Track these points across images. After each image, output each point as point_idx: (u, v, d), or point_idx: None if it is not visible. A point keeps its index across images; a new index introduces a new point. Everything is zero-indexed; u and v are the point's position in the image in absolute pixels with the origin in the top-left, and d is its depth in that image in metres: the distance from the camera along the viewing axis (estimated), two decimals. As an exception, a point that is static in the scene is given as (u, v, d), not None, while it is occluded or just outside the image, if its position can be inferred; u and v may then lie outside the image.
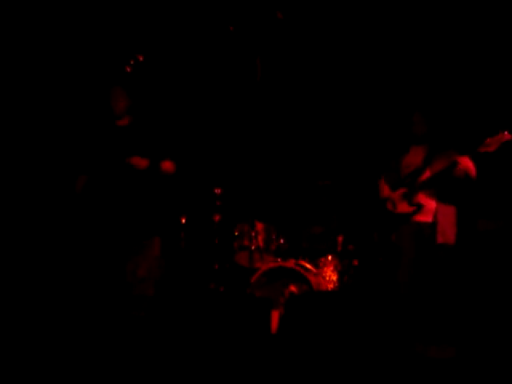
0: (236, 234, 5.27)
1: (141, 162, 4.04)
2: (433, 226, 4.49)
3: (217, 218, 5.40)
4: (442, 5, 5.32)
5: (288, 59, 5.91)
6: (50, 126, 5.22)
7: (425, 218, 4.53)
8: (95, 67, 5.27)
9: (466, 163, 4.28)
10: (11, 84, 5.09)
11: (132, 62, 4.18)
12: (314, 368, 3.72)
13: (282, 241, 5.27)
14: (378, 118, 5.80)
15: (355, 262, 5.20)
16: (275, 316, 4.36)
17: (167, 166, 4.16)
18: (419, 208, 4.51)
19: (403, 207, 4.59)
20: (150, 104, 4.88)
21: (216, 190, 5.43)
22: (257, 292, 4.82)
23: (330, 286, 5.04)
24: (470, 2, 5.24)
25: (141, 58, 4.30)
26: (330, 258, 5.13)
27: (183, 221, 5.47)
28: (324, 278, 5.04)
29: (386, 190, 4.75)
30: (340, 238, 5.32)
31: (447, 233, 4.48)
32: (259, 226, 5.20)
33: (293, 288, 4.85)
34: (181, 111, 5.77)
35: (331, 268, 5.10)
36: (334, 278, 5.07)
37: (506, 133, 4.14)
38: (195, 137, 5.83)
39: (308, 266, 5.04)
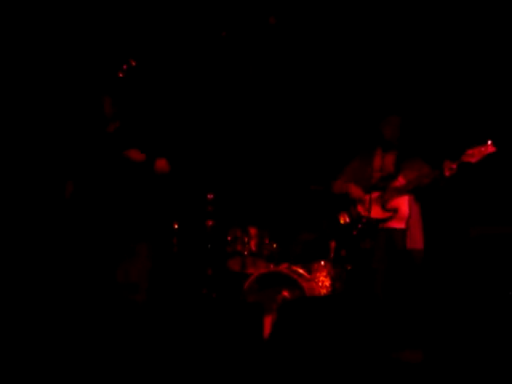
0: (229, 239, 5.26)
1: (138, 156, 4.04)
2: (405, 232, 4.48)
3: (209, 223, 5.38)
4: (419, 14, 5.33)
5: (280, 64, 5.92)
6: (39, 129, 5.21)
7: (399, 224, 4.52)
8: (87, 71, 5.27)
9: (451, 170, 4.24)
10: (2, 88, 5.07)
11: (125, 67, 4.17)
12: (306, 373, 3.71)
13: (274, 246, 5.26)
14: (370, 122, 5.80)
15: (348, 268, 5.20)
16: (268, 321, 4.35)
17: (161, 164, 4.16)
18: (394, 214, 4.49)
19: (377, 213, 4.56)
20: (141, 108, 4.87)
21: (208, 196, 5.42)
22: (249, 297, 4.81)
23: (323, 292, 5.03)
24: (450, 11, 5.26)
25: (133, 63, 4.30)
26: (322, 263, 5.13)
27: (176, 226, 5.45)
28: (317, 283, 5.04)
29: (357, 192, 4.70)
30: (332, 244, 5.32)
31: (416, 238, 4.49)
32: (252, 231, 5.19)
33: (285, 293, 4.85)
34: (173, 116, 5.77)
35: (324, 273, 5.09)
36: (327, 283, 5.06)
37: (488, 144, 4.07)
38: (187, 142, 5.83)
39: (301, 271, 5.03)
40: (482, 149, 4.06)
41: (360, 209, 4.65)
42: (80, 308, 4.05)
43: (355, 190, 4.73)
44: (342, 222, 4.73)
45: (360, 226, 4.60)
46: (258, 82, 5.67)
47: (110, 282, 4.02)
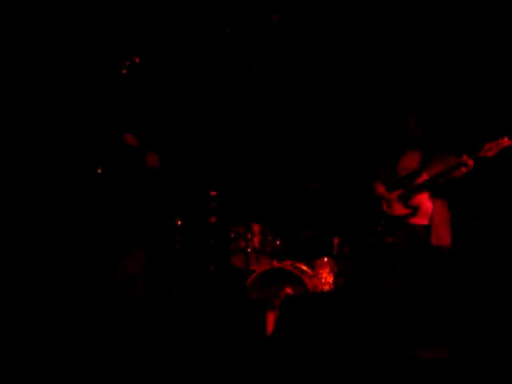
0: (232, 236, 5.27)
1: (133, 141, 4.03)
2: (428, 228, 4.50)
3: (213, 220, 5.39)
4: (435, 8, 5.33)
5: (283, 62, 5.92)
6: (38, 127, 5.20)
7: (421, 220, 4.53)
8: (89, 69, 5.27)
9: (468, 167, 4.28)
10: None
11: (128, 64, 4.18)
12: (309, 370, 3.72)
13: (277, 243, 5.27)
14: (373, 121, 5.81)
15: (351, 264, 5.21)
16: (271, 318, 4.36)
17: (152, 158, 4.15)
18: (415, 210, 4.51)
19: (399, 209, 4.59)
20: (145, 106, 4.88)
21: (212, 192, 5.43)
22: (252, 294, 4.82)
23: (326, 288, 5.04)
24: (465, 6, 5.26)
25: (137, 60, 4.30)
26: (325, 259, 5.13)
27: (179, 223, 5.46)
28: (320, 279, 5.05)
29: (381, 190, 4.75)
30: (336, 240, 5.33)
31: (442, 235, 4.49)
32: (255, 227, 5.20)
33: (288, 290, 4.85)
34: (176, 113, 5.77)
35: (327, 270, 5.10)
36: (330, 279, 5.07)
37: (505, 138, 4.16)
38: (191, 139, 5.83)
39: (304, 267, 5.04)
40: (499, 142, 4.14)
41: (384, 206, 4.68)
42: (79, 306, 4.06)
43: (379, 188, 4.78)
44: (366, 220, 4.80)
45: (384, 222, 4.64)
46: (262, 79, 5.67)
47: (110, 280, 4.03)
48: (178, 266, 5.49)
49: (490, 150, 4.19)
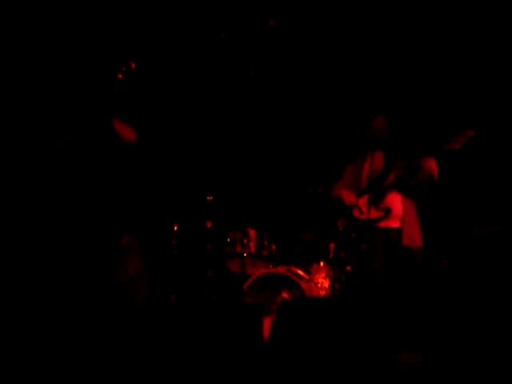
0: (228, 240, 5.27)
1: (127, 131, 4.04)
2: (399, 230, 4.50)
3: (209, 224, 5.39)
4: (404, 12, 5.36)
5: (279, 65, 5.93)
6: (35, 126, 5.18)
7: (393, 223, 4.54)
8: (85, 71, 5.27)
9: (430, 165, 4.30)
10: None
11: (124, 69, 4.18)
12: (305, 375, 3.71)
13: (273, 247, 5.27)
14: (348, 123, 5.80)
15: (347, 269, 5.20)
16: (267, 323, 4.35)
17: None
18: (387, 212, 4.51)
19: (372, 213, 4.58)
20: (141, 109, 4.88)
21: (208, 197, 5.43)
22: (249, 298, 4.82)
23: (322, 293, 5.04)
24: (434, 8, 5.28)
25: (133, 65, 4.30)
26: (322, 264, 5.13)
27: (175, 228, 5.46)
28: (316, 284, 5.04)
29: (350, 198, 4.73)
30: (332, 245, 5.32)
31: (414, 236, 4.50)
32: (251, 232, 5.20)
33: (285, 294, 4.85)
34: (173, 117, 5.78)
35: (323, 274, 5.10)
36: (326, 284, 5.07)
37: (468, 129, 4.17)
38: (187, 143, 5.84)
39: (300, 272, 5.04)
40: (464, 134, 4.16)
41: (355, 212, 4.68)
42: (78, 309, 4.05)
43: (347, 196, 4.77)
44: (340, 228, 4.77)
45: (357, 228, 4.63)
46: (257, 83, 5.68)
47: (108, 282, 4.02)
48: (174, 270, 5.49)
49: (456, 142, 4.19)
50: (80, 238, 4.09)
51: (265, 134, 6.05)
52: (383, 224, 4.55)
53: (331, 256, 5.27)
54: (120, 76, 4.09)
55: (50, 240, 4.71)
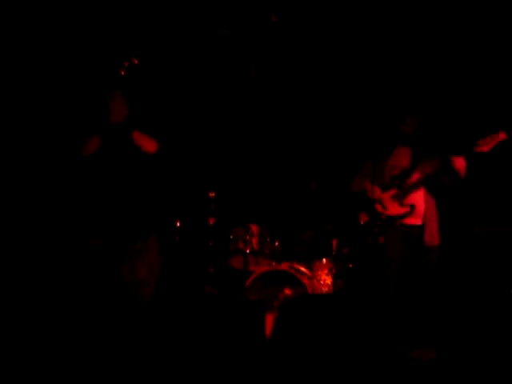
0: (231, 237, 5.26)
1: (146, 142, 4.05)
2: (421, 228, 4.49)
3: (211, 221, 5.39)
4: (430, 6, 5.33)
5: (281, 62, 5.92)
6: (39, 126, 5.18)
7: (414, 220, 4.53)
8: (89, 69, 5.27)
9: (460, 164, 4.28)
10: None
11: (126, 65, 4.17)
12: (308, 371, 3.71)
13: (276, 244, 5.27)
14: (366, 119, 5.78)
15: (350, 265, 5.20)
16: (269, 319, 4.35)
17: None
18: (412, 209, 4.51)
19: (394, 209, 4.58)
20: (143, 106, 4.87)
21: (210, 194, 5.42)
22: (251, 295, 4.81)
23: (325, 290, 5.04)
24: (461, 4, 5.26)
25: (135, 61, 4.30)
26: (324, 261, 5.13)
27: (178, 224, 5.46)
28: (318, 281, 5.04)
29: (375, 192, 4.73)
30: (334, 242, 5.32)
31: (434, 234, 4.49)
32: (254, 229, 5.20)
33: (287, 291, 4.85)
34: (175, 114, 5.77)
35: (326, 271, 5.10)
36: (329, 281, 5.07)
37: (500, 132, 4.14)
38: (190, 140, 5.83)
39: (302, 269, 5.04)
40: (494, 137, 4.13)
41: (378, 207, 4.66)
42: (85, 308, 4.06)
43: (372, 190, 4.76)
44: (361, 221, 4.76)
45: (379, 223, 4.63)
46: (260, 80, 5.67)
47: (116, 282, 4.02)
48: (176, 267, 5.48)
49: (486, 144, 4.16)
50: (93, 240, 4.11)
51: (267, 129, 6.04)
52: (405, 221, 4.54)
53: (334, 253, 5.27)
54: (123, 73, 4.09)
55: (63, 241, 4.74)
